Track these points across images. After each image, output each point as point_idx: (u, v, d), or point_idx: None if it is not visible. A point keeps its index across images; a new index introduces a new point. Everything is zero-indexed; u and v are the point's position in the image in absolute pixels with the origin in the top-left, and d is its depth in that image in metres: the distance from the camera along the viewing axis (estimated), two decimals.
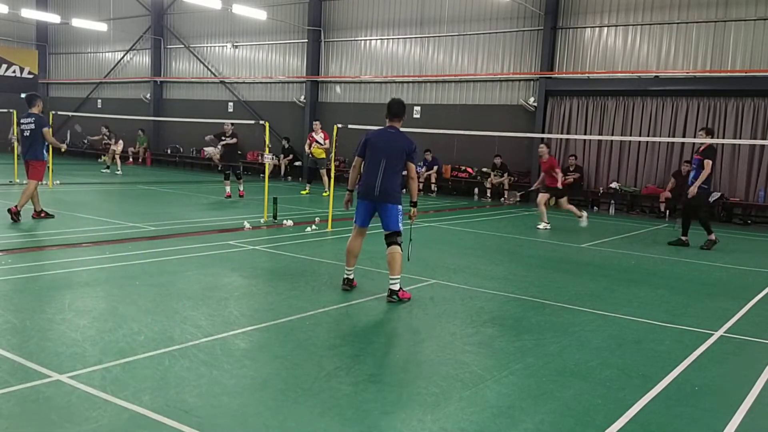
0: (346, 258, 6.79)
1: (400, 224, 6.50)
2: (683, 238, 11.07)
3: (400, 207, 6.52)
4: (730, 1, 15.79)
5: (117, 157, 22.08)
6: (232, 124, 15.70)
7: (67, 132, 26.61)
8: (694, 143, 15.98)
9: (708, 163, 10.41)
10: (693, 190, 10.52)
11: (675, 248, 10.94)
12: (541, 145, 13.08)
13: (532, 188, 14.24)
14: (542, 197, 12.89)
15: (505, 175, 18.54)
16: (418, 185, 22.41)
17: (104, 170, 21.62)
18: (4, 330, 4.90)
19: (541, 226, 12.67)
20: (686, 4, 16.37)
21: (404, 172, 6.57)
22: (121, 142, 22.75)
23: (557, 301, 6.74)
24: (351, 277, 6.81)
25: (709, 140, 10.64)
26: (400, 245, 6.44)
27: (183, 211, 12.84)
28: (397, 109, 6.58)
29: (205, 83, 26.34)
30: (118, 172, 21.13)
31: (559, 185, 12.91)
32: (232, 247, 8.89)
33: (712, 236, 10.93)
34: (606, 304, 6.70)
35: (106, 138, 23.18)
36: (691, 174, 10.83)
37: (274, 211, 11.78)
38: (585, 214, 13.17)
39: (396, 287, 6.39)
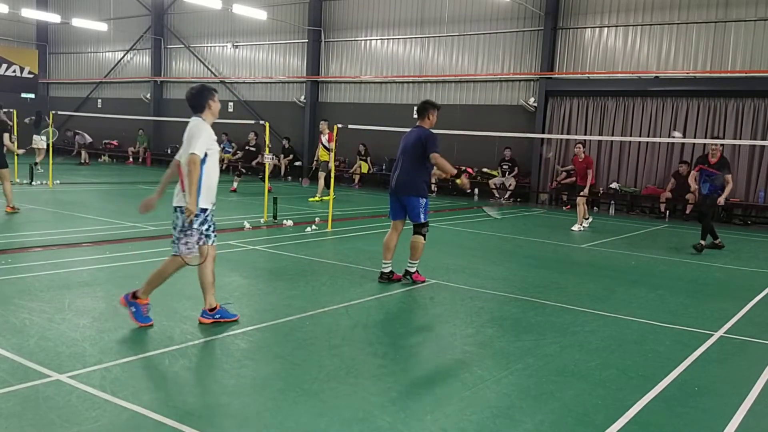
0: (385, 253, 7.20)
1: None
2: (716, 241, 10.91)
3: None
4: (730, 2, 15.78)
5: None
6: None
7: (74, 136, 26.88)
8: (694, 143, 16.07)
9: (729, 177, 10.68)
10: (722, 200, 10.69)
11: (674, 249, 10.97)
12: (578, 144, 13.14)
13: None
14: (582, 199, 13.01)
15: (506, 173, 18.49)
16: None
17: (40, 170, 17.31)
18: (3, 330, 4.90)
19: (576, 227, 12.74)
20: (686, 4, 16.36)
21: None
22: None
23: (557, 301, 6.74)
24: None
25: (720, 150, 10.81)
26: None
27: None
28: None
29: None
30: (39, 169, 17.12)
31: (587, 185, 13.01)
32: (232, 247, 8.88)
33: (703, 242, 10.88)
34: (606, 305, 6.70)
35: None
36: (708, 185, 10.72)
37: (274, 211, 11.78)
38: (588, 221, 13.29)
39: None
